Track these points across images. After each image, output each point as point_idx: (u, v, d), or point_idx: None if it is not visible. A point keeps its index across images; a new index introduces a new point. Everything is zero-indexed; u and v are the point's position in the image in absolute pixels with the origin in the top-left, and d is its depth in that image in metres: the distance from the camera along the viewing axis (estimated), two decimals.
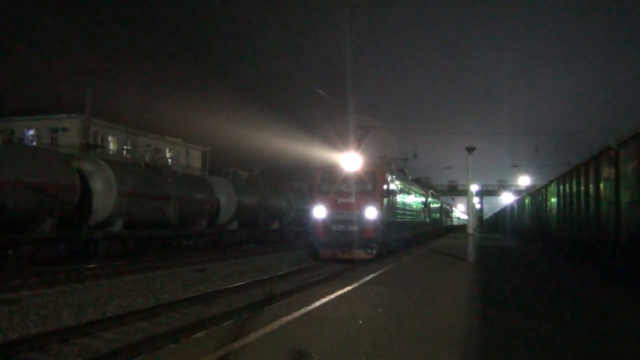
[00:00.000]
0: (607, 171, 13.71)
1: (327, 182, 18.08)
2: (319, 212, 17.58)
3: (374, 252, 17.20)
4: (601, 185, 14.33)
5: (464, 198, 21.73)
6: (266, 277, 14.20)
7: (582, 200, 16.63)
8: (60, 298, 10.31)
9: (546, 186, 26.28)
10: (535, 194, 32.15)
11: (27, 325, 8.19)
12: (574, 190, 18.04)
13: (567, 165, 23.01)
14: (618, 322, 7.75)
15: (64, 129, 37.44)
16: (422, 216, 29.61)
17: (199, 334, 7.32)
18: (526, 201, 36.66)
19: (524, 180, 67.87)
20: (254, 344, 5.91)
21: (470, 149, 18.30)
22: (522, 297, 9.85)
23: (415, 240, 27.04)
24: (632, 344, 6.34)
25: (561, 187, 20.91)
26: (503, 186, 78.83)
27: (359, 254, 17.09)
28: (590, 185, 15.57)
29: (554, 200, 22.95)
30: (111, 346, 7.17)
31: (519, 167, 64.61)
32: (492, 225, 77.05)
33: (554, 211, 22.74)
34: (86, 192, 17.46)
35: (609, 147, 13.24)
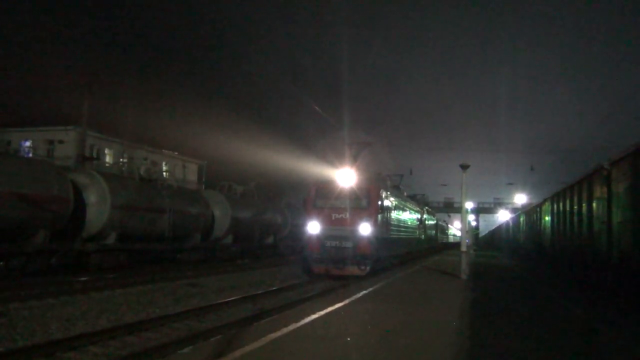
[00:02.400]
0: (599, 191, 13.77)
1: (321, 197, 18.08)
2: (313, 227, 17.56)
3: (368, 268, 17.14)
4: (594, 205, 14.37)
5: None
6: (258, 292, 14.14)
7: (575, 219, 16.66)
8: (49, 311, 10.22)
9: (540, 205, 26.32)
10: (529, 212, 32.18)
11: (13, 338, 8.12)
12: (567, 209, 18.08)
13: (563, 183, 23.05)
14: (609, 342, 7.73)
15: (60, 141, 37.52)
16: (417, 233, 29.57)
17: (186, 349, 7.27)
18: (521, 219, 36.69)
19: (520, 198, 67.84)
20: None
21: (464, 167, 18.34)
22: (512, 316, 9.83)
23: (410, 257, 26.96)
24: None
25: (555, 206, 20.96)
26: (499, 204, 78.87)
27: (352, 270, 17.04)
28: (583, 205, 15.61)
29: (547, 218, 22.99)
30: None
31: (515, 185, 64.70)
32: (488, 242, 76.97)
33: (548, 230, 22.76)
34: (80, 204, 17.42)
35: (602, 166, 13.30)
